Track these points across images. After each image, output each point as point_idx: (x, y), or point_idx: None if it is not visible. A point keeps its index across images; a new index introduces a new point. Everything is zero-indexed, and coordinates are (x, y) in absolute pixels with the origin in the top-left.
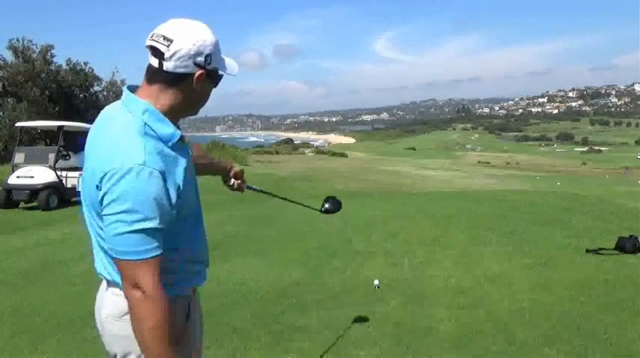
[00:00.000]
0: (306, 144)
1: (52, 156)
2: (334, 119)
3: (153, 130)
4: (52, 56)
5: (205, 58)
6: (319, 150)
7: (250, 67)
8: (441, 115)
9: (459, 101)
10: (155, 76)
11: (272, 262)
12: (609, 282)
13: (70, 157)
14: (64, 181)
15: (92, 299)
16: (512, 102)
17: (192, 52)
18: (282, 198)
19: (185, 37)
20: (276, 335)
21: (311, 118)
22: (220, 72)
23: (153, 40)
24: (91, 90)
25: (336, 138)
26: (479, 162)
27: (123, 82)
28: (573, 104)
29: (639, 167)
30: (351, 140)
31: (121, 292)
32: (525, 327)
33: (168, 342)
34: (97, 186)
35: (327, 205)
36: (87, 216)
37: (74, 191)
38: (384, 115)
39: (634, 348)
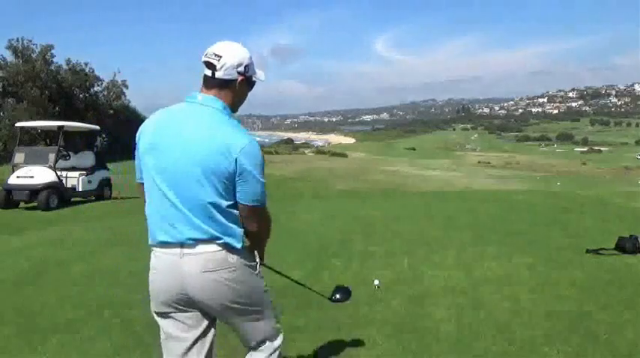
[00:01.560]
0: (306, 145)
1: (52, 156)
2: (334, 119)
3: (237, 121)
4: (52, 56)
5: (244, 68)
6: (319, 151)
7: None
8: (440, 115)
9: (459, 101)
10: (211, 82)
11: (272, 262)
12: (609, 282)
13: (70, 157)
14: (64, 181)
15: (92, 299)
16: (512, 102)
17: (235, 64)
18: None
19: (230, 53)
20: None
21: (311, 118)
22: (254, 78)
23: (207, 57)
24: (91, 90)
25: (336, 138)
26: (479, 162)
27: (124, 82)
28: (573, 104)
29: (639, 167)
30: (351, 140)
31: (217, 247)
32: (525, 327)
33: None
34: (236, 159)
35: (337, 295)
36: (188, 185)
37: (74, 191)
38: (384, 115)
39: (634, 348)
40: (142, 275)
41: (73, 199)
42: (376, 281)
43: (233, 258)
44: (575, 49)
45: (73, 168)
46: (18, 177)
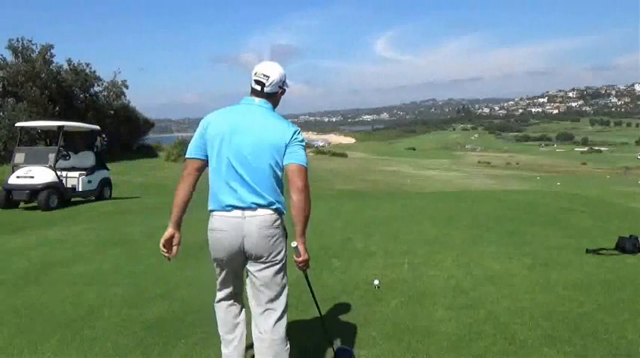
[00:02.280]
0: (306, 145)
1: (52, 156)
2: (334, 119)
3: None
4: (52, 56)
5: (283, 83)
6: (319, 151)
7: (250, 67)
8: (441, 115)
9: (459, 101)
10: (260, 94)
11: None
12: (609, 282)
13: (70, 157)
14: (64, 181)
15: (92, 299)
16: (512, 102)
17: (277, 82)
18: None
19: (274, 75)
20: None
21: (311, 118)
22: (285, 88)
23: (257, 76)
24: (92, 90)
25: (336, 139)
26: (479, 162)
27: (124, 82)
28: (573, 104)
29: (639, 167)
30: (351, 140)
31: (271, 211)
32: (525, 327)
33: None
34: (290, 138)
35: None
36: (255, 161)
37: (74, 191)
38: (384, 115)
39: (634, 348)
40: (142, 275)
41: (73, 199)
42: (376, 281)
43: (279, 220)
44: (575, 49)
45: (73, 168)
46: (18, 177)
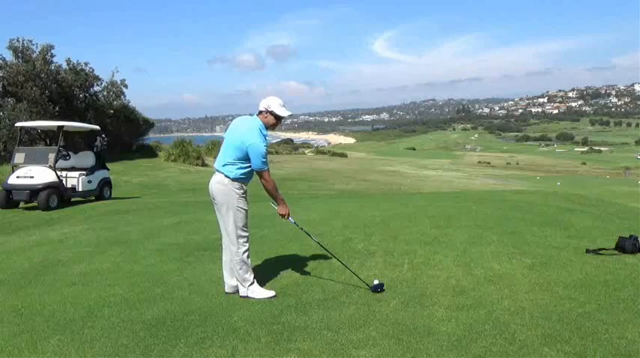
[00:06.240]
0: (306, 145)
1: (52, 156)
2: (334, 119)
3: (262, 129)
4: (52, 56)
5: (268, 106)
6: (319, 150)
7: (249, 67)
8: (440, 115)
9: (459, 101)
10: (259, 111)
11: (272, 262)
12: (609, 282)
13: (70, 157)
14: (64, 181)
15: (92, 299)
16: (512, 102)
17: (264, 104)
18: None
19: (265, 100)
20: (276, 335)
21: (311, 118)
22: (276, 112)
23: (261, 102)
24: (91, 90)
25: (336, 139)
26: (479, 162)
27: (123, 82)
28: (573, 104)
29: (639, 167)
30: (351, 140)
31: (222, 175)
32: (525, 327)
33: (278, 191)
34: (247, 145)
35: (379, 289)
36: (227, 150)
37: (74, 191)
38: (384, 115)
39: (634, 348)
40: (141, 275)
41: (73, 199)
42: (376, 282)
43: (226, 180)
44: (575, 49)
45: (73, 168)
46: (18, 177)
